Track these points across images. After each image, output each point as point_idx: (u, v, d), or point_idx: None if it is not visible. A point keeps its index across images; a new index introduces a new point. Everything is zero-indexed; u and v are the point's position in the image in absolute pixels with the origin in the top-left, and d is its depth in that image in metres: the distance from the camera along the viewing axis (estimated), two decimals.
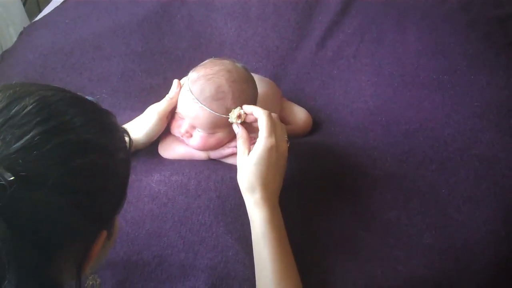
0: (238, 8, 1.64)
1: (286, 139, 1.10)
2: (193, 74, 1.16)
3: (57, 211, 0.61)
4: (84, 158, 0.63)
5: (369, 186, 1.22)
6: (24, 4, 2.70)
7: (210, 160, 1.21)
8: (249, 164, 1.04)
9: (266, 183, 1.03)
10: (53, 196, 0.60)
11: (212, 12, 1.65)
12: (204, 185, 1.14)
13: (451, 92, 1.38)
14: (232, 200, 1.12)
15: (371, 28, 1.56)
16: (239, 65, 1.18)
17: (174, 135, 1.21)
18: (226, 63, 1.17)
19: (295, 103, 1.46)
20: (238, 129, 1.10)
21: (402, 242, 1.12)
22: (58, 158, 0.61)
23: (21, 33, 1.68)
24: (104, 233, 0.70)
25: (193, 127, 1.16)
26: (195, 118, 1.14)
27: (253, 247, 1.02)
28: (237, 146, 1.08)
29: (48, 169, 0.60)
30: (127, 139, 0.75)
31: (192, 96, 1.12)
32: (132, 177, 1.17)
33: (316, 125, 1.43)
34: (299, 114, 1.41)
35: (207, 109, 1.11)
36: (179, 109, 1.17)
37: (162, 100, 1.18)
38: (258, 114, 1.08)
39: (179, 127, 1.18)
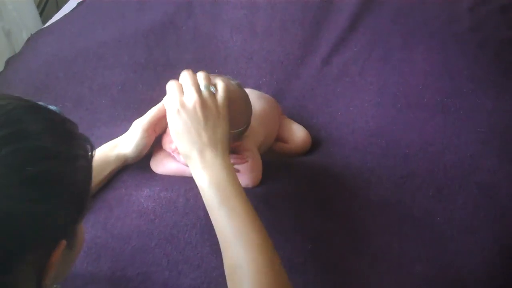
0: (245, 22, 1.63)
1: (204, 85, 1.04)
2: None
3: (10, 220, 0.60)
4: (37, 166, 0.63)
5: (362, 209, 1.19)
6: (43, 7, 2.73)
7: None
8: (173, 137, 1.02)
9: (191, 145, 0.99)
10: (5, 206, 0.59)
11: (218, 24, 1.64)
12: (192, 202, 1.12)
13: (455, 116, 1.35)
14: None
15: (378, 46, 1.54)
16: (233, 82, 1.17)
17: (166, 151, 1.20)
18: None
19: (297, 119, 1.44)
20: None
21: (392, 269, 1.09)
22: (10, 167, 0.60)
23: (28, 40, 1.69)
24: (63, 243, 0.68)
25: None
26: None
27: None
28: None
29: (0, 177, 0.59)
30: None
31: None
32: (122, 191, 1.17)
33: (315, 144, 1.41)
34: (298, 133, 1.38)
35: None
36: None
37: (146, 113, 1.17)
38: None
39: (171, 143, 1.16)
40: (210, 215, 0.97)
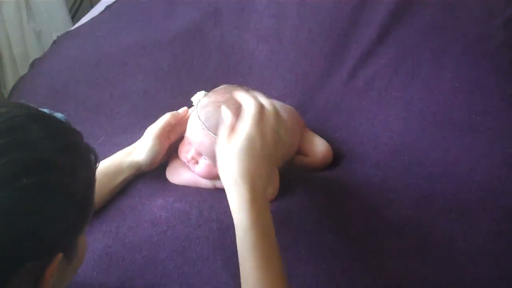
0: (272, 32, 1.60)
1: (279, 130, 0.95)
2: (204, 100, 1.13)
3: (3, 231, 0.59)
4: (33, 177, 0.61)
5: (380, 229, 1.14)
6: (77, 9, 2.75)
7: (216, 190, 1.17)
8: (231, 154, 0.90)
9: (252, 179, 0.89)
10: None
11: (245, 33, 1.62)
12: (206, 215, 1.10)
13: (484, 135, 1.30)
14: (233, 233, 1.05)
15: (406, 60, 1.50)
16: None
17: (182, 160, 1.18)
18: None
19: (320, 133, 1.40)
20: (227, 112, 0.94)
21: None
22: (6, 177, 0.59)
23: (53, 42, 1.69)
24: (59, 256, 0.66)
25: (200, 154, 1.13)
26: (201, 145, 1.11)
27: (238, 254, 0.91)
28: (219, 132, 0.94)
29: None
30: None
31: (199, 121, 1.09)
32: (136, 200, 1.16)
33: (337, 158, 1.37)
34: (319, 147, 1.34)
35: (214, 136, 1.07)
36: (187, 134, 1.14)
37: (158, 120, 1.15)
38: (244, 99, 0.93)
39: (187, 153, 1.14)
40: (238, 251, 0.91)
